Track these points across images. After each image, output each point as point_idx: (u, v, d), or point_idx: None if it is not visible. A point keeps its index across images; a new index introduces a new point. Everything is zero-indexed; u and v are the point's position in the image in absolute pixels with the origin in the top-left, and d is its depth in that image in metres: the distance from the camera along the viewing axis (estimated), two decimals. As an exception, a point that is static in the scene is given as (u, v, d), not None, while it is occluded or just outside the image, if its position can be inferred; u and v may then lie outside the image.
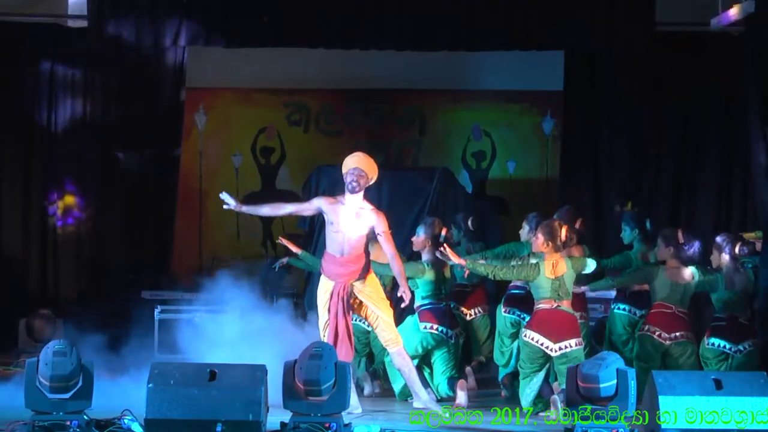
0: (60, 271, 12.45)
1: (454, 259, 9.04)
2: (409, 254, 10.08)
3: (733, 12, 11.06)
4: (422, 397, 8.90)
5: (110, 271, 12.46)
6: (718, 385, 7.38)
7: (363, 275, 8.71)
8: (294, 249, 9.64)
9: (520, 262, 9.11)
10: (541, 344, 8.70)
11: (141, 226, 12.58)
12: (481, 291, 10.50)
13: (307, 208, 8.84)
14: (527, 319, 9.60)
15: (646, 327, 9.32)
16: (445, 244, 9.17)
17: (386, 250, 8.73)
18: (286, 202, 9.26)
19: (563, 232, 8.87)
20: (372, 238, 9.59)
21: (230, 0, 11.28)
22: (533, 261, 8.91)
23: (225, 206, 8.64)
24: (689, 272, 9.34)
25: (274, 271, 10.85)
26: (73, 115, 12.39)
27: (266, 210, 8.94)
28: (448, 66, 13.26)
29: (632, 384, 7.33)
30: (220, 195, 8.60)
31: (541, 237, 8.85)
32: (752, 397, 7.32)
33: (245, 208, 8.75)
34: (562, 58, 12.72)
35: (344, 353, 8.44)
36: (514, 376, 9.69)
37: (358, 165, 8.65)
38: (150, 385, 7.32)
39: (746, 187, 12.13)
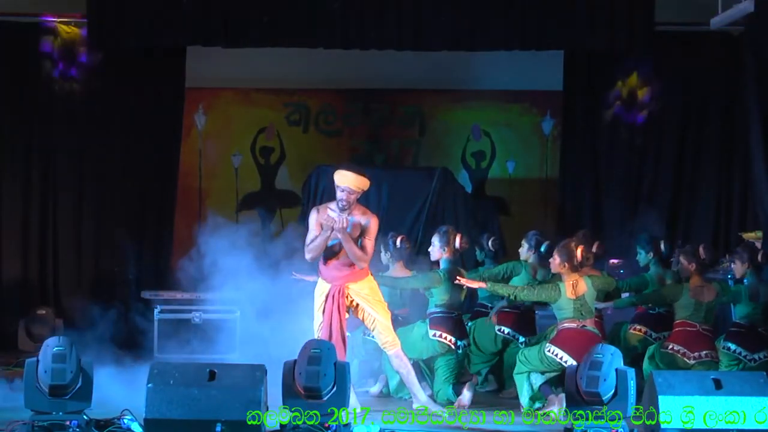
0: (59, 270, 12.44)
1: (473, 284, 9.10)
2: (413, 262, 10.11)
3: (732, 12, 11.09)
4: (421, 399, 8.91)
5: (110, 271, 12.45)
6: (718, 384, 7.38)
7: (360, 278, 8.71)
8: (310, 279, 9.65)
9: (540, 284, 9.18)
10: (565, 361, 8.66)
11: (141, 225, 12.57)
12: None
13: (313, 232, 8.68)
14: (521, 339, 9.65)
15: (670, 346, 9.23)
16: (458, 277, 9.19)
17: (364, 249, 8.64)
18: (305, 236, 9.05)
19: (579, 252, 8.86)
20: (396, 256, 9.60)
21: (230, 0, 11.29)
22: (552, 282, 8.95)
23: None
24: (713, 290, 9.30)
25: None
26: (72, 115, 12.37)
27: (312, 255, 8.73)
28: (447, 66, 13.25)
29: (631, 384, 7.32)
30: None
31: (557, 258, 8.84)
32: (752, 397, 7.32)
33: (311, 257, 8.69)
34: (561, 58, 12.73)
35: (337, 355, 8.45)
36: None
37: (347, 184, 8.59)
38: (149, 385, 7.33)
39: (746, 186, 12.14)
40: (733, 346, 9.43)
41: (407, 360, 8.89)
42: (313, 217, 8.71)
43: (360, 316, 8.79)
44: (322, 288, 8.73)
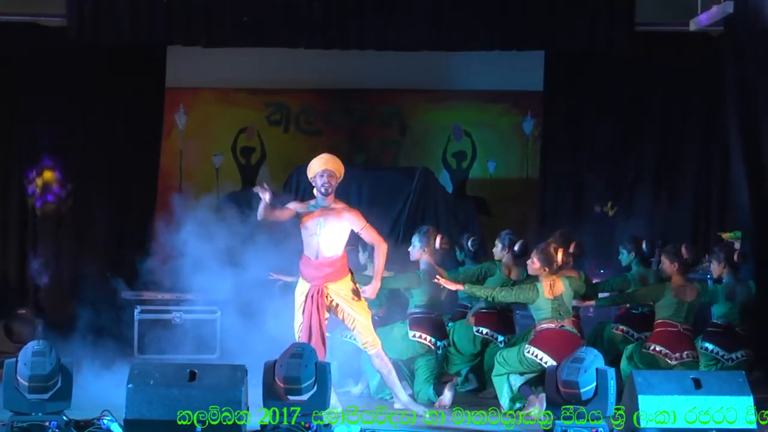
0: (40, 270, 12.38)
1: (451, 285, 9.07)
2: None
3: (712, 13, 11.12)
4: (402, 399, 8.90)
5: (90, 271, 12.39)
6: (697, 384, 7.41)
7: (339, 277, 8.70)
8: (287, 279, 9.64)
9: (518, 285, 9.18)
10: (545, 361, 8.67)
11: (121, 225, 12.52)
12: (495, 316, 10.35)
13: (284, 211, 8.73)
14: (500, 339, 9.66)
15: (651, 346, 9.24)
16: (438, 277, 9.15)
17: (370, 242, 8.74)
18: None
19: (559, 255, 8.85)
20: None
21: (210, 0, 11.26)
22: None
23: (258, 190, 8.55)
24: (695, 290, 9.32)
25: None
26: (52, 115, 12.31)
27: (276, 213, 8.69)
28: (428, 66, 13.27)
29: (611, 384, 7.35)
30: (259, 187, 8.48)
31: (537, 263, 8.83)
32: (731, 396, 7.35)
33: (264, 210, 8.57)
34: (542, 58, 12.74)
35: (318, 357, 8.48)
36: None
37: (327, 167, 8.64)
38: (129, 386, 7.32)
39: (726, 186, 12.17)
40: (710, 346, 9.48)
41: (388, 359, 8.89)
42: (293, 203, 8.76)
43: (340, 316, 8.78)
44: (302, 288, 8.72)
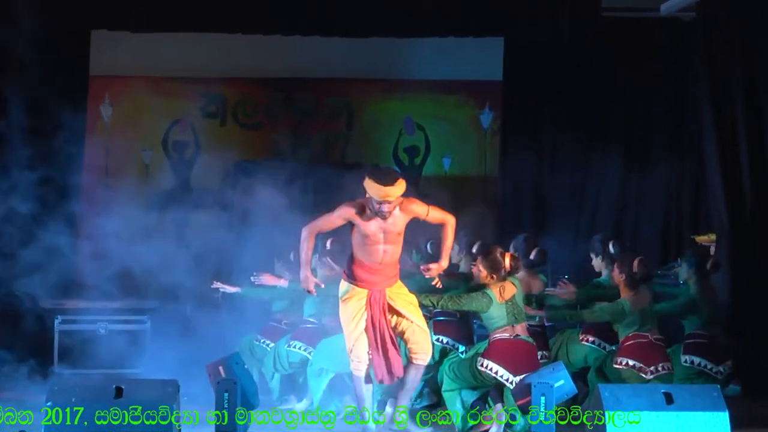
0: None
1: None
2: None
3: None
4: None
5: (7, 279, 12.26)
6: (669, 399, 7.42)
7: (397, 280, 8.45)
8: (231, 290, 9.53)
9: (467, 292, 9.09)
10: (500, 375, 8.61)
11: (40, 228, 12.40)
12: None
13: (335, 222, 8.32)
14: (461, 348, 9.61)
15: (624, 361, 9.17)
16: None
17: (440, 222, 8.45)
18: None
19: (507, 261, 8.77)
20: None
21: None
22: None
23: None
24: (647, 293, 9.32)
25: None
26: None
27: (307, 251, 8.34)
28: (378, 53, 13.31)
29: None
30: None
31: (483, 271, 8.75)
32: (705, 412, 7.37)
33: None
34: (501, 46, 12.76)
35: (396, 365, 8.30)
36: None
37: (394, 196, 8.16)
38: (48, 404, 7.21)
39: (698, 183, 12.24)
40: (696, 359, 9.52)
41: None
42: (346, 211, 8.30)
43: (393, 323, 8.42)
44: (357, 296, 8.36)
